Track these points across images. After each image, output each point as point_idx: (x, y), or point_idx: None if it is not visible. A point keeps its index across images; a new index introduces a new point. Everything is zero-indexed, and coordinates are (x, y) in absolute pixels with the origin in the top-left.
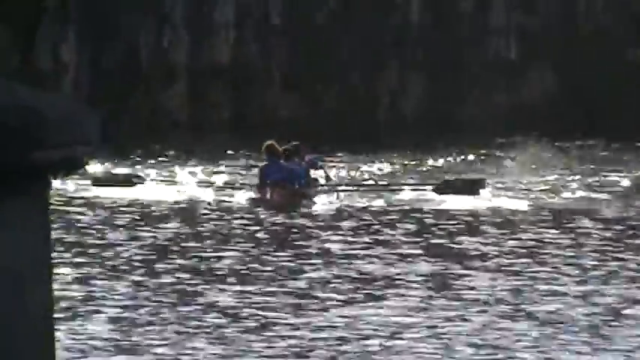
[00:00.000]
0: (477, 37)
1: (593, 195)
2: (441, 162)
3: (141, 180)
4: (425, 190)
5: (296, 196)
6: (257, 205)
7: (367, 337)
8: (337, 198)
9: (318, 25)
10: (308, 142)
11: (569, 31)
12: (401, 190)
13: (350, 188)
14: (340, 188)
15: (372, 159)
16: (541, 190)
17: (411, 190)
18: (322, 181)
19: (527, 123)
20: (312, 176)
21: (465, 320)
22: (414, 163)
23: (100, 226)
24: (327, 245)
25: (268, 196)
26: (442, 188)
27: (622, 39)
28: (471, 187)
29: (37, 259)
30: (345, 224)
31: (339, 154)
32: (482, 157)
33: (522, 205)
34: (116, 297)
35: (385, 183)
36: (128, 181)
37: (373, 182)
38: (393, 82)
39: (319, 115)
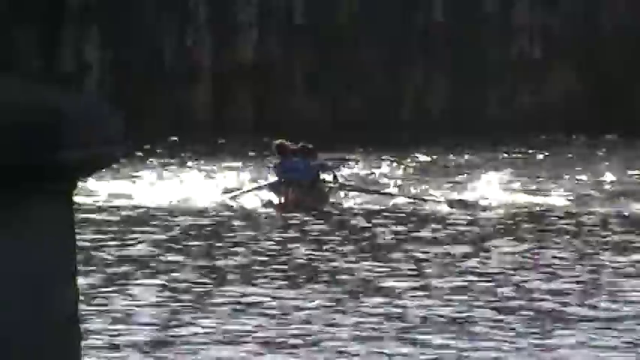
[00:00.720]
0: (500, 36)
1: (619, 193)
2: (463, 161)
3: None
4: (436, 202)
5: (311, 195)
6: (273, 206)
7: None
8: (345, 196)
9: (341, 25)
10: (330, 143)
11: (591, 30)
12: (412, 200)
13: (357, 192)
14: (348, 189)
15: (394, 159)
16: (565, 190)
17: (420, 200)
18: (329, 178)
19: (552, 122)
20: (321, 176)
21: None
22: (435, 163)
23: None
24: (342, 243)
25: (283, 195)
26: (452, 204)
27: None
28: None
29: (62, 261)
30: (357, 223)
31: (358, 156)
32: (505, 156)
33: (548, 203)
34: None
35: (395, 192)
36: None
37: (387, 190)
38: (417, 82)
39: (342, 115)
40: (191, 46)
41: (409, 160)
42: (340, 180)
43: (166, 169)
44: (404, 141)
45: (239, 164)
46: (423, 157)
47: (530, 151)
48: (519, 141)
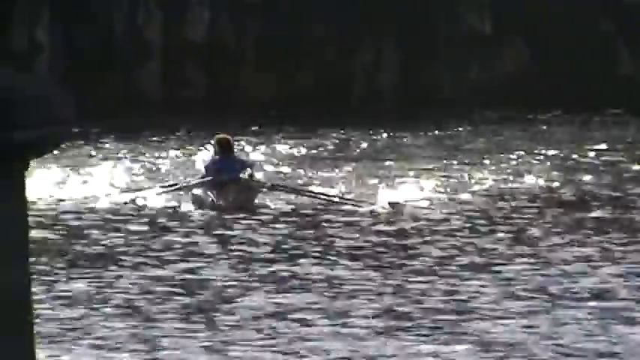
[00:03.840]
0: (450, 11)
1: (569, 170)
2: (415, 139)
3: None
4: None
5: (245, 194)
6: (210, 206)
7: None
8: (271, 194)
9: (293, 2)
10: (281, 121)
11: (541, 4)
12: (332, 201)
13: (283, 191)
14: (277, 188)
15: (342, 138)
16: (515, 169)
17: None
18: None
19: (502, 97)
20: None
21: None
22: (386, 140)
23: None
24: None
25: (221, 195)
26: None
27: (594, 10)
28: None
29: (15, 241)
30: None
31: (303, 135)
32: (457, 133)
33: (505, 183)
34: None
35: (319, 192)
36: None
37: (310, 189)
38: (367, 58)
39: (294, 93)
40: (142, 25)
41: (352, 143)
42: (258, 177)
43: (109, 156)
44: (353, 120)
45: (184, 152)
46: (367, 139)
47: (477, 129)
48: (468, 118)
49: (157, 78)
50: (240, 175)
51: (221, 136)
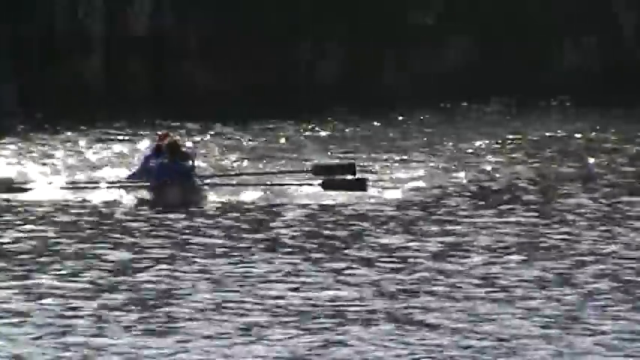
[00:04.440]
0: (395, 3)
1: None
2: (355, 132)
3: (23, 186)
4: (311, 184)
5: (189, 192)
6: (149, 204)
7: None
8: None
9: None
10: (222, 113)
11: None
12: (284, 184)
13: (232, 182)
14: (223, 181)
15: (282, 131)
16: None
17: (296, 184)
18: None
19: (447, 89)
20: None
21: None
22: (323, 133)
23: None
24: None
25: (163, 195)
26: (328, 184)
27: (540, 1)
28: (357, 185)
29: None
30: (234, 220)
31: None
32: (397, 125)
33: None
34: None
35: (266, 173)
36: (11, 189)
37: (256, 172)
38: (311, 50)
39: (237, 85)
40: (83, 17)
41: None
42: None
43: (50, 149)
44: (296, 110)
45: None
46: (305, 131)
47: (419, 122)
48: (408, 110)
49: (100, 70)
50: (194, 179)
51: (171, 140)
